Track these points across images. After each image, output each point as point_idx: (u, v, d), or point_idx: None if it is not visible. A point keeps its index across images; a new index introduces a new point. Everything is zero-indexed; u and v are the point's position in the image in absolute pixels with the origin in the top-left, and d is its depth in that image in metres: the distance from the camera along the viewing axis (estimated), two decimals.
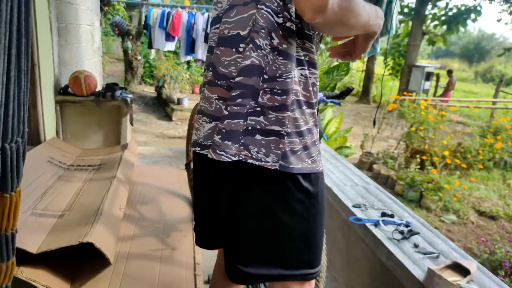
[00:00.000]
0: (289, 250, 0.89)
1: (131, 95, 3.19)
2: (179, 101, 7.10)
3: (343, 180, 2.06)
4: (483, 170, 5.10)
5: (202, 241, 1.07)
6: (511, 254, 2.75)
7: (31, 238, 1.56)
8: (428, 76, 11.16)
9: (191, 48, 5.89)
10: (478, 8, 11.76)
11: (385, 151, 5.55)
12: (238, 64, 0.81)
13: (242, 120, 0.81)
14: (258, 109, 0.82)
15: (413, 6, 11.80)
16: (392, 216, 1.62)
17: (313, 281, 0.96)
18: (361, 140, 5.55)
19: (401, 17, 12.07)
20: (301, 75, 0.83)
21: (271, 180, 0.84)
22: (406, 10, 11.96)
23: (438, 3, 12.26)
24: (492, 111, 8.75)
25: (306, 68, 0.83)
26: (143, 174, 2.94)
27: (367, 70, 12.25)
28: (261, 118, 0.82)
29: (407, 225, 1.54)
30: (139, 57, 8.27)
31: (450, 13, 12.09)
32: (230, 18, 0.83)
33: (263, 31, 0.79)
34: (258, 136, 0.82)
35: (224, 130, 0.82)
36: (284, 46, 0.80)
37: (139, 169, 3.00)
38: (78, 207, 1.95)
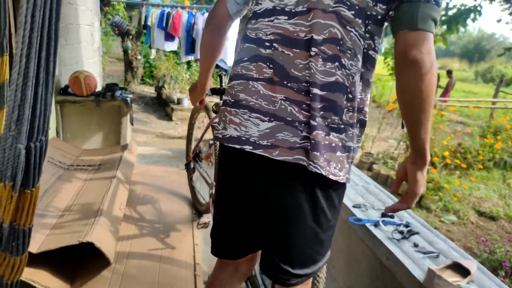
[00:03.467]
0: (324, 249, 0.97)
1: (131, 95, 3.19)
2: (179, 101, 7.10)
3: None
4: (483, 170, 5.10)
5: (225, 249, 1.06)
6: (511, 254, 2.75)
7: (31, 238, 1.56)
8: None
9: (191, 48, 5.90)
10: (478, 8, 11.76)
11: (385, 151, 5.55)
12: (314, 70, 0.83)
13: (323, 133, 0.85)
14: (342, 126, 0.87)
15: None
16: (392, 216, 1.62)
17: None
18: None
19: None
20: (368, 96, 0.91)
21: (332, 187, 0.90)
22: None
23: None
24: (492, 111, 8.74)
25: (369, 91, 0.92)
26: (143, 174, 2.95)
27: None
28: (343, 135, 0.87)
29: (406, 225, 1.54)
30: (139, 57, 8.27)
31: (450, 13, 12.09)
32: (307, 22, 0.85)
33: (349, 52, 0.84)
34: (338, 153, 0.87)
35: (313, 141, 0.84)
36: (363, 70, 0.87)
37: (139, 169, 3.00)
38: (78, 207, 1.95)
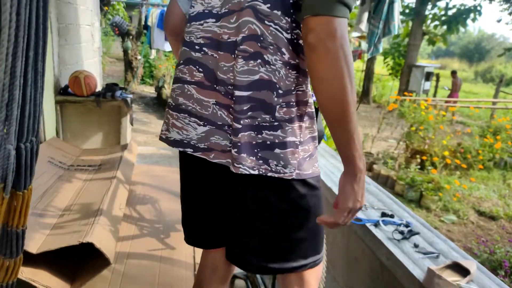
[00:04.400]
0: (301, 243, 0.93)
1: (131, 95, 3.19)
2: None
3: None
4: (483, 170, 5.10)
5: (195, 239, 1.10)
6: (511, 254, 2.75)
7: (31, 238, 1.56)
8: (428, 76, 11.17)
9: None
10: (478, 8, 11.75)
11: (385, 151, 5.55)
12: (235, 72, 0.82)
13: (254, 133, 0.83)
14: (276, 123, 0.83)
15: (413, 6, 11.79)
16: (392, 216, 1.62)
17: (322, 263, 1.02)
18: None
19: (401, 17, 12.05)
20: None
21: (284, 186, 0.87)
22: (406, 10, 11.96)
23: (438, 3, 12.26)
24: (492, 111, 8.74)
25: None
26: (143, 174, 2.95)
27: (367, 70, 12.25)
28: (279, 132, 0.83)
29: (407, 225, 1.54)
30: (139, 57, 8.27)
31: (450, 13, 12.09)
32: (231, 24, 0.83)
33: (271, 47, 0.80)
34: (277, 150, 0.84)
35: (239, 144, 0.83)
36: (297, 60, 0.82)
37: (139, 169, 3.01)
38: (78, 207, 1.95)
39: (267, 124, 0.83)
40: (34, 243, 1.53)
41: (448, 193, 3.99)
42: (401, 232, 1.47)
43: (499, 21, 15.33)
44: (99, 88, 3.17)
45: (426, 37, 12.62)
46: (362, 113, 9.87)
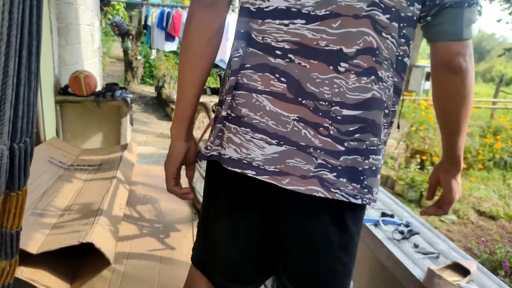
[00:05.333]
0: (348, 276, 0.86)
1: (131, 95, 3.19)
2: None
3: None
4: (483, 170, 5.10)
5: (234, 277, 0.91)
6: (511, 254, 2.75)
7: (31, 238, 1.56)
8: (428, 76, 11.16)
9: None
10: (478, 8, 11.75)
11: (385, 150, 5.55)
12: (341, 88, 0.72)
13: (360, 157, 0.75)
14: (380, 146, 0.78)
15: None
16: (392, 216, 1.62)
17: None
18: None
19: None
20: None
21: (360, 212, 0.83)
22: None
23: None
24: (492, 111, 8.74)
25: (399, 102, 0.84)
26: (143, 174, 2.95)
27: None
28: (380, 156, 0.79)
29: (407, 225, 1.54)
30: (139, 57, 8.27)
31: None
32: (332, 29, 0.71)
33: (386, 62, 0.74)
34: (378, 176, 0.80)
35: (340, 167, 0.74)
36: (397, 79, 0.78)
37: (139, 169, 3.01)
38: (78, 207, 1.95)
39: (375, 148, 0.76)
40: (34, 243, 1.53)
41: None
42: (401, 232, 1.47)
43: (499, 21, 15.29)
44: (99, 88, 3.17)
45: None
46: None
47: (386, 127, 0.79)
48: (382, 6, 0.71)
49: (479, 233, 3.48)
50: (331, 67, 0.72)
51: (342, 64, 0.72)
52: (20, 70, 0.63)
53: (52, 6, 2.75)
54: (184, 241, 2.14)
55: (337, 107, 0.73)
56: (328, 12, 0.71)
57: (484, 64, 28.79)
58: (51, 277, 1.53)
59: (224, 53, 4.12)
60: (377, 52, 0.72)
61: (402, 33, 0.75)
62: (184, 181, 0.94)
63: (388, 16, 0.72)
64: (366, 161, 0.76)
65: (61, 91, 2.99)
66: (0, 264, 0.70)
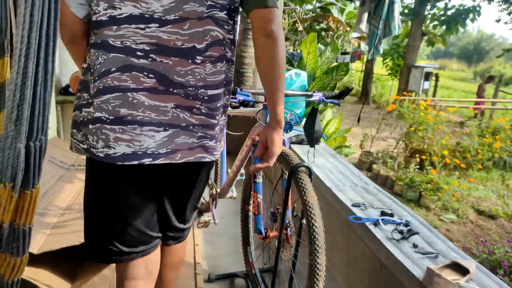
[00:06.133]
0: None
1: None
2: None
3: (342, 180, 2.07)
4: (482, 170, 5.10)
5: (139, 250, 1.06)
6: (510, 254, 2.76)
7: (32, 238, 1.56)
8: (427, 76, 11.18)
9: None
10: (477, 8, 11.77)
11: (385, 150, 5.56)
12: (196, 74, 0.91)
13: (219, 124, 1.01)
14: (224, 108, 1.02)
15: (413, 6, 11.80)
16: (391, 215, 1.63)
17: None
18: (360, 140, 5.56)
19: (401, 17, 12.05)
20: None
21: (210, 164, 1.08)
22: (405, 10, 11.98)
23: (437, 4, 12.26)
24: (491, 111, 8.76)
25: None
26: None
27: (366, 71, 12.26)
28: (225, 116, 1.04)
29: (406, 224, 1.54)
30: None
31: (449, 13, 12.11)
32: (184, 31, 0.88)
33: (231, 46, 0.98)
34: (224, 131, 1.07)
35: (216, 135, 0.99)
36: (233, 57, 1.00)
37: None
38: (79, 206, 1.95)
39: (221, 111, 1.01)
40: (35, 243, 1.54)
41: (447, 194, 4.00)
42: (401, 232, 1.48)
43: (498, 21, 15.31)
44: None
45: (426, 38, 12.63)
46: (362, 113, 9.83)
47: (227, 94, 1.02)
48: (219, 6, 0.91)
49: (478, 232, 3.49)
50: (190, 61, 0.90)
51: (198, 57, 0.90)
52: (37, 70, 0.65)
53: None
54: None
55: (203, 90, 0.92)
56: (178, 17, 0.87)
57: (483, 64, 28.81)
58: (52, 276, 1.53)
59: None
60: (224, 42, 0.94)
61: (234, 20, 0.96)
62: None
63: (225, 12, 0.92)
64: (220, 123, 1.01)
65: (62, 91, 2.99)
66: (11, 261, 0.71)
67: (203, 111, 0.93)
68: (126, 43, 0.85)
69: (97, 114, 0.88)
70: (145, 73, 0.87)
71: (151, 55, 0.86)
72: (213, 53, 0.92)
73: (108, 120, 0.87)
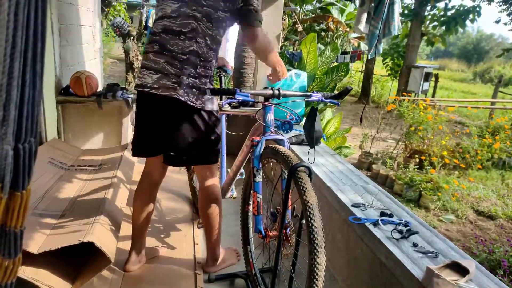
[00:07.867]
0: (206, 150, 1.71)
1: (132, 96, 3.20)
2: None
3: (342, 180, 2.07)
4: (482, 170, 5.11)
5: (143, 151, 1.73)
6: (510, 253, 2.76)
7: (32, 238, 1.57)
8: (427, 76, 11.17)
9: None
10: (477, 9, 11.77)
11: (384, 150, 5.56)
12: (180, 46, 1.55)
13: (185, 78, 1.55)
14: (196, 75, 1.57)
15: (412, 7, 11.80)
16: (391, 215, 1.63)
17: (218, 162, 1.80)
18: (360, 140, 5.56)
19: (400, 18, 12.02)
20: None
21: (196, 111, 1.60)
22: (405, 11, 11.97)
23: (437, 4, 12.26)
24: (490, 111, 8.76)
25: (217, 55, 1.66)
26: None
27: (366, 71, 12.26)
28: (196, 80, 1.57)
29: (406, 225, 1.55)
30: (140, 58, 8.27)
31: (449, 14, 12.11)
32: (176, 21, 1.56)
33: (200, 34, 1.56)
34: (194, 90, 1.57)
35: (184, 84, 1.54)
36: (214, 46, 1.61)
37: (140, 169, 3.00)
38: (78, 207, 1.95)
39: (192, 75, 1.56)
40: (35, 243, 1.54)
41: (446, 193, 4.00)
42: (400, 232, 1.48)
43: (497, 21, 15.30)
44: (100, 89, 3.18)
45: (425, 38, 12.63)
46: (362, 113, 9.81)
47: (203, 67, 1.59)
48: (199, 10, 1.55)
49: (478, 232, 3.50)
50: (177, 37, 1.55)
51: (181, 36, 1.55)
52: (25, 71, 0.64)
53: (53, 7, 2.76)
54: (184, 240, 2.15)
55: (180, 54, 1.55)
56: (176, 14, 1.56)
57: (483, 64, 28.79)
58: (53, 276, 1.53)
59: (225, 53, 4.13)
60: (196, 30, 1.55)
61: (212, 24, 1.57)
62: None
63: (201, 15, 1.54)
64: (187, 80, 1.55)
65: (62, 91, 2.99)
66: (3, 263, 0.70)
67: (179, 66, 1.54)
68: (153, 30, 1.63)
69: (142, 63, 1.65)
70: (156, 43, 1.59)
71: (161, 34, 1.58)
72: (189, 34, 1.55)
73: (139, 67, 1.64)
